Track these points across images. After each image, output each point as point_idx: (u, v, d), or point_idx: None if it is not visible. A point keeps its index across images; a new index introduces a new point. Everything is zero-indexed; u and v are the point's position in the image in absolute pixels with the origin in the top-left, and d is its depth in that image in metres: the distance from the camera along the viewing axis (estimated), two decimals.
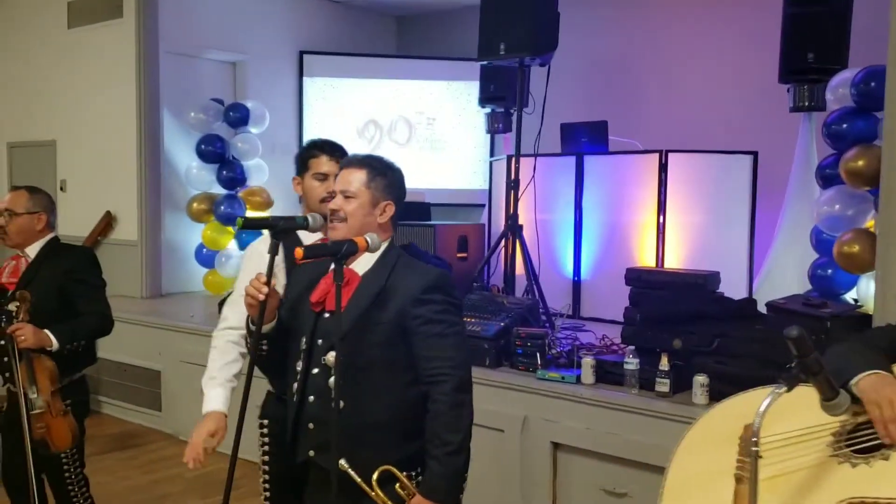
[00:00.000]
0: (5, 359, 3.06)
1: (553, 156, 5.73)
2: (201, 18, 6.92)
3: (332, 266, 2.12)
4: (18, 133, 7.62)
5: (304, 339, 2.20)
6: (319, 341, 2.17)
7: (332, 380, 2.09)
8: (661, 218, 5.35)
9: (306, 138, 7.66)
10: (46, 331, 3.01)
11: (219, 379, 2.52)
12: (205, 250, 6.88)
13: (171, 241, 6.88)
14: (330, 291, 2.16)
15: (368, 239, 2.06)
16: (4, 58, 7.63)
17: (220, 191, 6.86)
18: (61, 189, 7.22)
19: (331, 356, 2.11)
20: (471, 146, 7.88)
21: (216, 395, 2.50)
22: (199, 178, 6.81)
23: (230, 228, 6.81)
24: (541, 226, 5.60)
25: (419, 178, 7.62)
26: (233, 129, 6.91)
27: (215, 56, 7.21)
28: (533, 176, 5.07)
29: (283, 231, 2.20)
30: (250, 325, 2.22)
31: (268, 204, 7.03)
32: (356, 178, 2.22)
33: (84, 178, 7.05)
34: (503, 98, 6.51)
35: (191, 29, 6.85)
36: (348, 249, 2.01)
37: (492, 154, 7.82)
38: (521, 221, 4.99)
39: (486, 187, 7.82)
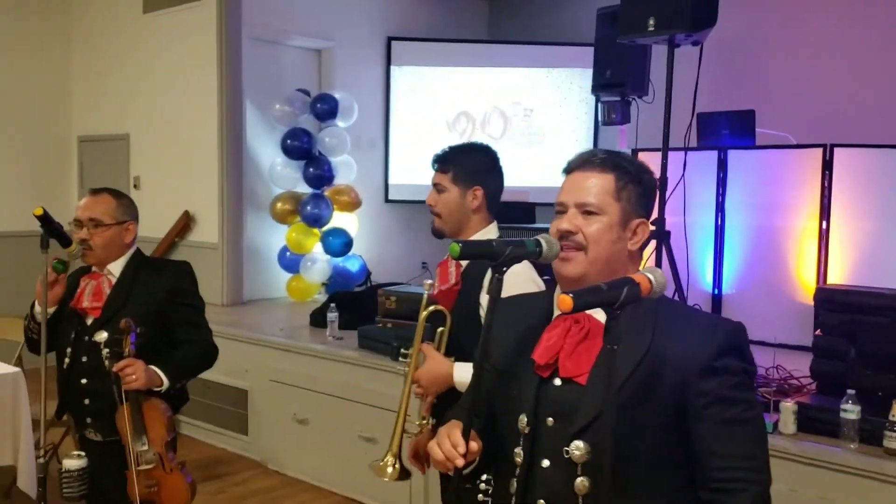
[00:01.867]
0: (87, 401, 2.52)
1: (693, 150, 4.99)
2: (287, 0, 6.35)
3: (557, 311, 1.48)
4: (90, 126, 7.18)
5: (524, 417, 1.54)
6: (549, 420, 1.52)
7: (579, 482, 1.44)
8: (825, 223, 4.58)
9: (393, 132, 7.06)
10: (154, 367, 2.44)
11: None
12: (289, 254, 6.33)
13: (252, 244, 6.34)
14: (562, 348, 1.51)
15: (652, 278, 1.36)
16: (76, 46, 7.19)
17: (305, 189, 6.30)
18: (135, 186, 6.75)
19: (576, 447, 1.45)
20: (572, 140, 7.18)
21: None
22: (284, 175, 6.25)
23: (315, 231, 6.24)
24: (676, 230, 4.88)
25: (516, 175, 6.96)
26: (319, 123, 6.33)
27: (300, 43, 6.63)
28: (683, 174, 4.35)
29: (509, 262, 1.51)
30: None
31: (355, 204, 6.44)
32: (601, 186, 1.57)
33: (160, 174, 6.55)
34: (622, 85, 5.76)
35: (276, 13, 6.28)
36: (630, 296, 1.32)
37: (595, 147, 7.11)
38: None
39: None
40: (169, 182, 6.47)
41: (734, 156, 4.97)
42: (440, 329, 2.30)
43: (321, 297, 6.44)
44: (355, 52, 6.87)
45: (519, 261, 1.49)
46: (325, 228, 6.23)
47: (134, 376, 2.37)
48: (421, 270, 7.25)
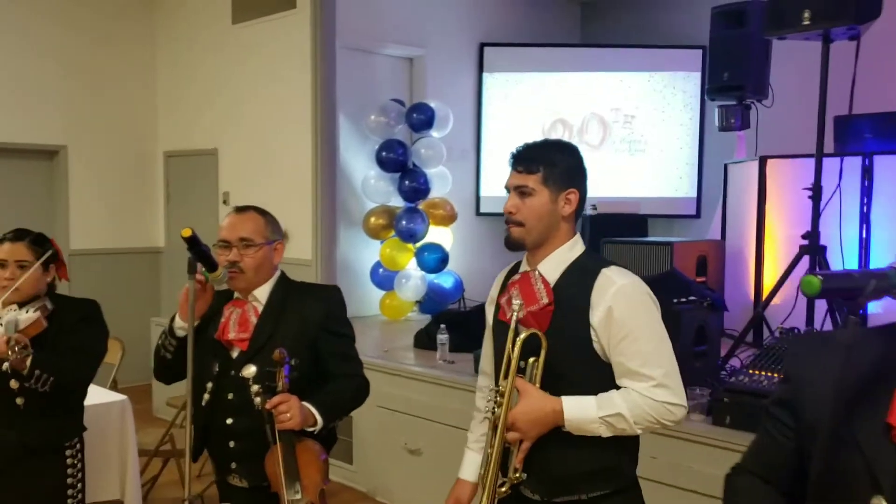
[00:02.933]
0: (232, 443, 2.26)
1: (833, 156, 4.57)
2: (381, 7, 6.13)
3: None
4: (177, 141, 7.06)
5: (881, 500, 1.17)
6: None
7: None
8: None
9: (486, 141, 6.78)
10: (307, 404, 2.16)
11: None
12: (382, 270, 6.08)
13: (345, 260, 6.11)
14: None
15: None
16: (161, 61, 7.09)
17: (398, 203, 6.04)
18: (224, 202, 6.58)
19: None
20: (675, 147, 6.79)
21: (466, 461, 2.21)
22: (377, 189, 6.01)
23: (410, 246, 5.98)
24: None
25: (621, 185, 6.61)
26: (413, 133, 6.08)
27: (392, 51, 6.40)
28: (839, 183, 3.95)
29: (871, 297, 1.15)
30: None
31: (451, 217, 6.16)
32: None
33: (250, 189, 6.37)
34: (740, 88, 5.38)
35: (368, 21, 6.07)
36: None
37: (701, 155, 6.72)
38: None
39: (695, 195, 6.75)
40: (260, 197, 6.21)
41: (881, 162, 4.53)
42: (532, 359, 1.91)
43: (415, 316, 6.18)
44: (447, 59, 6.61)
45: (883, 296, 1.15)
46: (419, 243, 5.97)
47: (288, 414, 2.09)
48: None
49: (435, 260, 5.95)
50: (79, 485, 2.76)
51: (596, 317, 1.88)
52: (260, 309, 2.33)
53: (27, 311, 2.57)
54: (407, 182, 5.88)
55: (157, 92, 7.13)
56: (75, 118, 6.68)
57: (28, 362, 2.44)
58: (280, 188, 6.10)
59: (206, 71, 6.66)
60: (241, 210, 2.41)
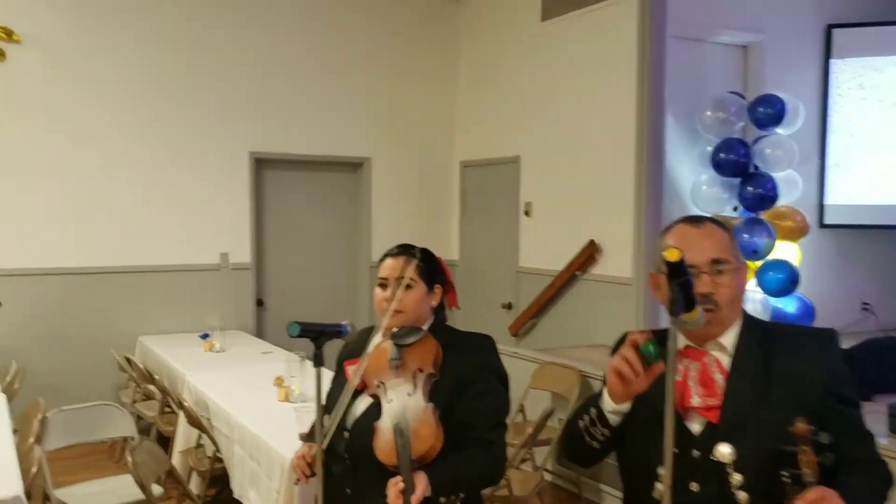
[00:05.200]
0: None
1: None
2: None
3: None
4: (473, 150, 6.74)
5: None
6: None
7: None
8: None
9: (833, 139, 5.70)
10: None
11: None
12: None
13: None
14: None
15: None
16: (462, 68, 6.83)
17: (731, 212, 5.19)
18: (525, 213, 6.13)
19: None
20: None
21: None
22: (710, 196, 5.21)
23: (751, 263, 5.10)
24: None
25: None
26: (756, 131, 5.20)
27: (725, 39, 5.57)
28: None
29: None
30: None
31: (801, 230, 5.20)
32: None
33: (557, 199, 5.84)
34: None
35: (700, 5, 5.30)
36: None
37: None
38: None
39: None
40: (569, 208, 5.73)
41: None
42: None
43: None
44: (787, 45, 5.65)
45: None
46: (761, 261, 5.07)
47: None
48: (861, 313, 5.79)
49: (781, 280, 5.02)
50: None
51: None
52: (727, 363, 1.67)
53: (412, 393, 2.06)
54: (750, 188, 5.03)
55: (457, 99, 6.87)
56: (379, 130, 6.60)
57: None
58: (592, 198, 5.50)
59: (510, 72, 6.26)
60: (694, 221, 1.76)
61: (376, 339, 2.15)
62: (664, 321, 1.53)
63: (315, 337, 1.84)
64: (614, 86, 5.24)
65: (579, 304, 5.59)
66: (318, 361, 1.79)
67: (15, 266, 5.19)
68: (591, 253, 5.53)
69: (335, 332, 1.88)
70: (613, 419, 1.67)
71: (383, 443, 2.01)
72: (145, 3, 5.67)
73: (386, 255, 2.26)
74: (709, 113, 5.12)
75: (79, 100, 5.47)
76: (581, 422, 1.74)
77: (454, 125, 6.90)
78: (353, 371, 2.13)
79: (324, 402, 2.14)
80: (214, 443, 3.70)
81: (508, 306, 6.18)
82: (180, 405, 4.05)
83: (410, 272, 2.18)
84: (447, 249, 6.92)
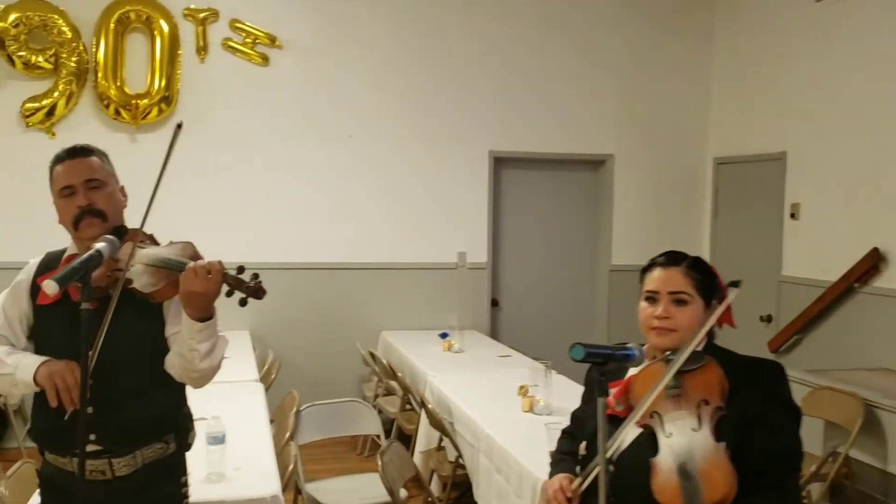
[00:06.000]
0: None
1: None
2: None
3: None
4: (730, 146, 6.16)
5: None
6: None
7: None
8: None
9: None
10: None
11: None
12: None
13: None
14: None
15: None
16: (719, 53, 6.27)
17: None
18: (791, 216, 5.46)
19: None
20: None
21: None
22: None
23: None
24: None
25: None
26: None
27: None
28: None
29: None
30: None
31: None
32: None
33: (829, 200, 5.14)
34: None
35: None
36: None
37: None
38: None
39: None
40: (847, 210, 5.01)
41: None
42: None
43: None
44: None
45: None
46: None
47: None
48: None
49: None
50: None
51: None
52: None
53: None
54: None
55: (711, 92, 6.32)
56: (623, 126, 6.23)
57: None
58: (876, 199, 4.77)
59: (777, 60, 5.61)
60: None
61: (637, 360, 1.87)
62: None
63: (602, 362, 1.59)
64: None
65: (857, 320, 4.88)
66: (603, 391, 1.54)
67: (276, 260, 5.48)
68: (873, 262, 4.79)
69: (623, 356, 1.62)
70: None
71: (663, 483, 1.73)
72: (396, 6, 5.76)
73: (653, 264, 1.97)
74: None
75: (330, 103, 5.68)
76: None
77: (707, 120, 6.35)
78: (619, 398, 1.87)
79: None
80: (457, 449, 3.59)
81: (768, 319, 5.56)
82: (423, 405, 4.01)
83: (686, 286, 1.90)
84: (696, 254, 6.35)
